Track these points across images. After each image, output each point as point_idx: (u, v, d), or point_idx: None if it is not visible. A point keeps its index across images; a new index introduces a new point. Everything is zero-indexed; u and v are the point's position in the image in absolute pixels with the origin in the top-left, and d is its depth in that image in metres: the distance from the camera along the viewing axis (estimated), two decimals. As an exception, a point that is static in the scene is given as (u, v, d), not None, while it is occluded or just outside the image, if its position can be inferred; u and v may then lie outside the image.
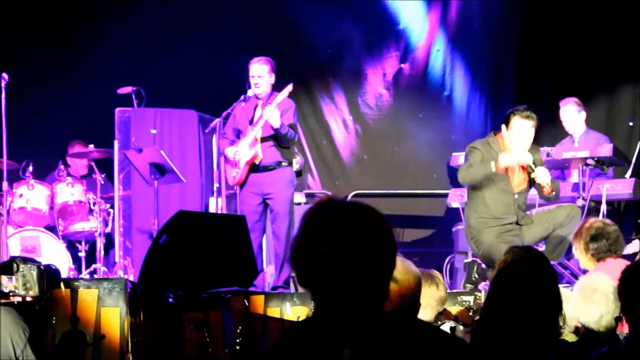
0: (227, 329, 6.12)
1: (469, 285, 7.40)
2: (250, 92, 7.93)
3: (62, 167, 8.94)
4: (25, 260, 5.68)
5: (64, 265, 8.29)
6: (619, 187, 8.43)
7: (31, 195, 8.60)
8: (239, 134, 7.96)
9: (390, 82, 10.80)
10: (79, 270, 8.65)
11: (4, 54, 9.61)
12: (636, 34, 9.74)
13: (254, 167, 7.79)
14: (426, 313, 4.32)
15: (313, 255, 2.18)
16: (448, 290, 5.21)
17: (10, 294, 5.49)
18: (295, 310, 6.53)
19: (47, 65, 10.20)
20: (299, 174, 8.36)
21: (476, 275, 7.40)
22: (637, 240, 7.83)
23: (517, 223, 7.21)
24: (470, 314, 6.47)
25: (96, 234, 8.71)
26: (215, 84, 10.09)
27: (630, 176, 8.52)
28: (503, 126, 7.12)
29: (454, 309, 6.48)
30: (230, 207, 8.63)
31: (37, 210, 8.64)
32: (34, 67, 10.03)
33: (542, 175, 7.06)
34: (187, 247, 6.53)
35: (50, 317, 5.68)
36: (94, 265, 8.58)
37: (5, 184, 7.73)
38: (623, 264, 4.62)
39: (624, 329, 4.26)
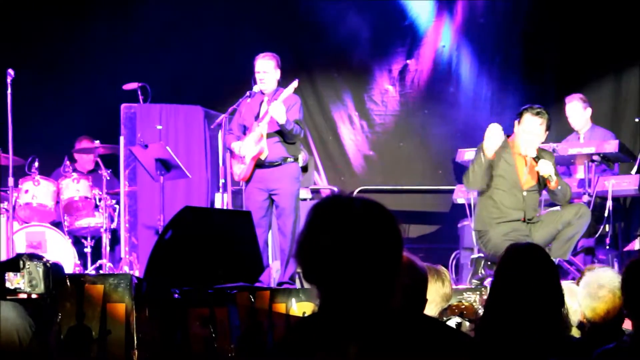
0: (233, 325, 6.12)
1: (475, 281, 7.40)
2: (256, 88, 7.92)
3: (67, 162, 8.93)
4: (32, 257, 5.67)
5: (70, 261, 8.29)
6: (625, 183, 8.42)
7: (37, 191, 8.60)
8: (244, 129, 7.95)
9: (396, 78, 10.79)
10: (84, 266, 8.65)
11: (10, 50, 9.64)
12: (642, 30, 9.74)
13: (259, 163, 7.78)
14: (431, 309, 4.32)
15: (319, 251, 2.18)
16: (453, 286, 5.20)
17: (17, 290, 5.49)
18: (301, 306, 6.51)
19: (53, 61, 10.21)
20: (303, 169, 8.34)
21: (482, 271, 7.40)
22: (643, 237, 7.83)
23: (524, 220, 7.23)
24: (476, 309, 6.46)
25: (102, 230, 8.70)
26: (221, 80, 10.10)
27: (636, 172, 8.52)
28: (515, 122, 7.24)
29: (459, 305, 6.46)
30: (236, 202, 8.63)
31: (43, 206, 8.65)
32: (40, 63, 10.05)
33: (544, 167, 7.13)
34: (192, 243, 6.53)
35: (56, 313, 5.68)
36: (99, 261, 8.57)
37: (11, 180, 7.72)
38: None
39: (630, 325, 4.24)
